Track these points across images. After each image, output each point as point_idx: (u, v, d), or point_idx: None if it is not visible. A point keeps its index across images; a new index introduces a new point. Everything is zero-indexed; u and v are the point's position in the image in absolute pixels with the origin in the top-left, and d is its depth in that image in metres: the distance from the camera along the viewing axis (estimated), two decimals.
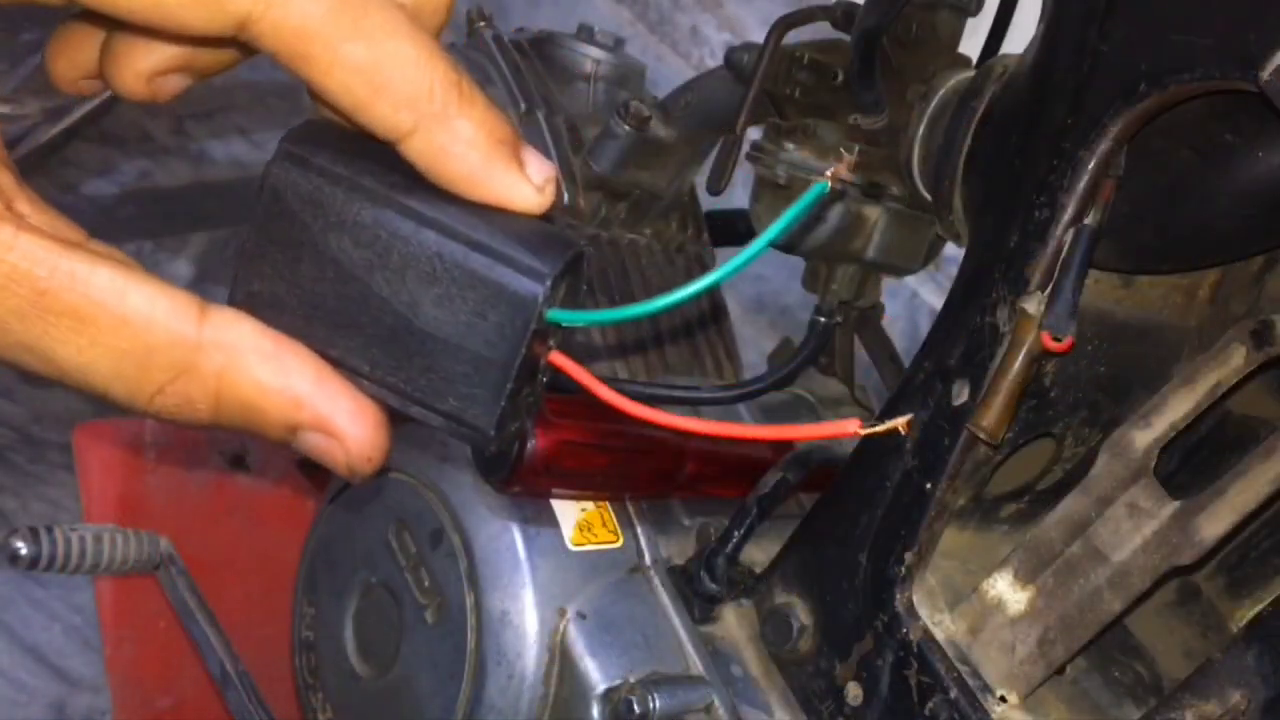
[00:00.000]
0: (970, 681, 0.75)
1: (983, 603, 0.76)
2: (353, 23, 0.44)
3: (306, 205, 0.45)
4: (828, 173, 0.44)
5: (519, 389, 0.46)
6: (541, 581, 0.86)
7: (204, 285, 1.74)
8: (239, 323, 0.44)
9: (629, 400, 0.46)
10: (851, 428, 0.44)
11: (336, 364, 0.46)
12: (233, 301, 0.46)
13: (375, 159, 0.45)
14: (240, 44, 0.45)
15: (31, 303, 0.41)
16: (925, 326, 1.99)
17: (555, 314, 0.45)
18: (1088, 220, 0.71)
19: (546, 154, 1.07)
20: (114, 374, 0.42)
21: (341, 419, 0.45)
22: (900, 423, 0.45)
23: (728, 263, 0.45)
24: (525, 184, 0.46)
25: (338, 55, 0.44)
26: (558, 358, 0.47)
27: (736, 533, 0.88)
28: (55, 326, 0.41)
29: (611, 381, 1.00)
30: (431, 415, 0.46)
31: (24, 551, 0.83)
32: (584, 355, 1.06)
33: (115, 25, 0.48)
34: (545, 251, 0.45)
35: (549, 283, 0.44)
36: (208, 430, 0.45)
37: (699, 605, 0.88)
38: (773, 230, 0.44)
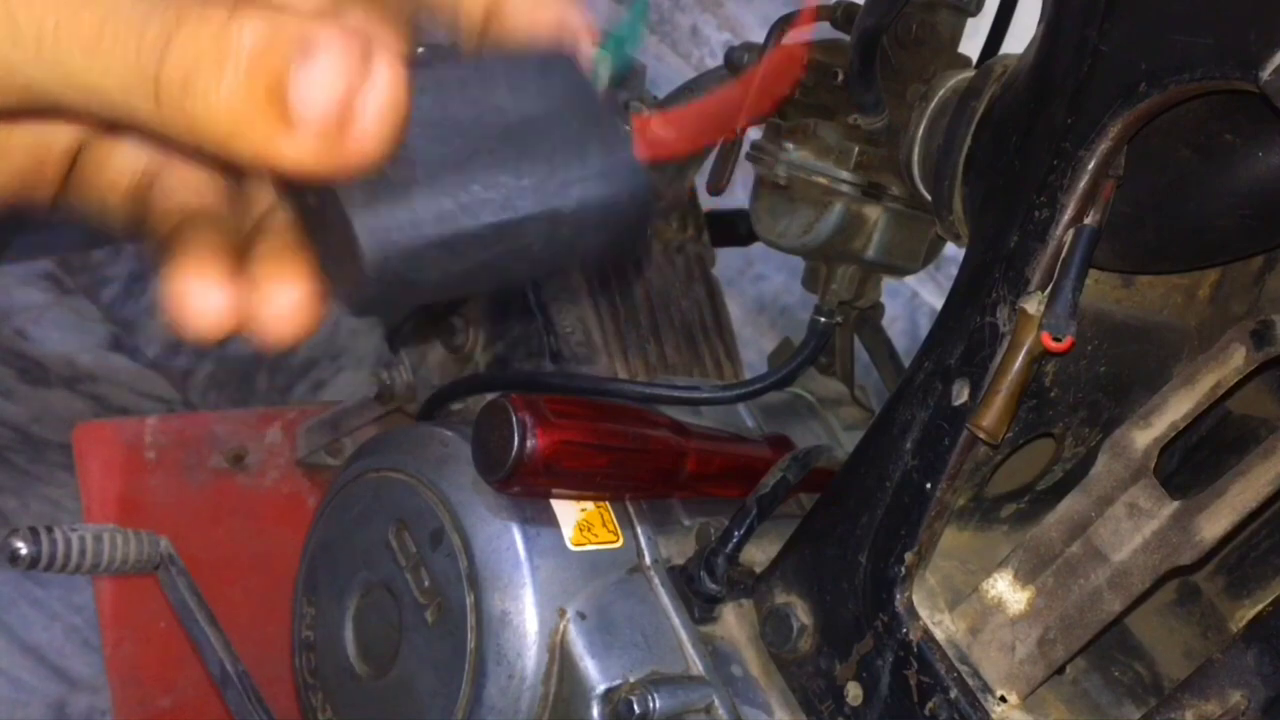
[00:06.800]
0: (970, 681, 0.75)
1: (983, 603, 0.76)
2: None
3: None
4: None
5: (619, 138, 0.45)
6: (541, 581, 0.86)
7: None
8: None
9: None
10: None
11: (479, 206, 0.43)
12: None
13: None
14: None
15: None
16: (925, 326, 1.99)
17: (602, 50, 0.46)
18: (1088, 220, 0.71)
19: None
20: None
21: None
22: None
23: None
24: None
25: None
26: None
27: (736, 533, 0.88)
28: None
29: (611, 381, 1.00)
30: (589, 210, 0.44)
31: (24, 551, 0.83)
32: (584, 356, 1.06)
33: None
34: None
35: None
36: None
37: (699, 605, 0.88)
38: None
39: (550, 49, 0.45)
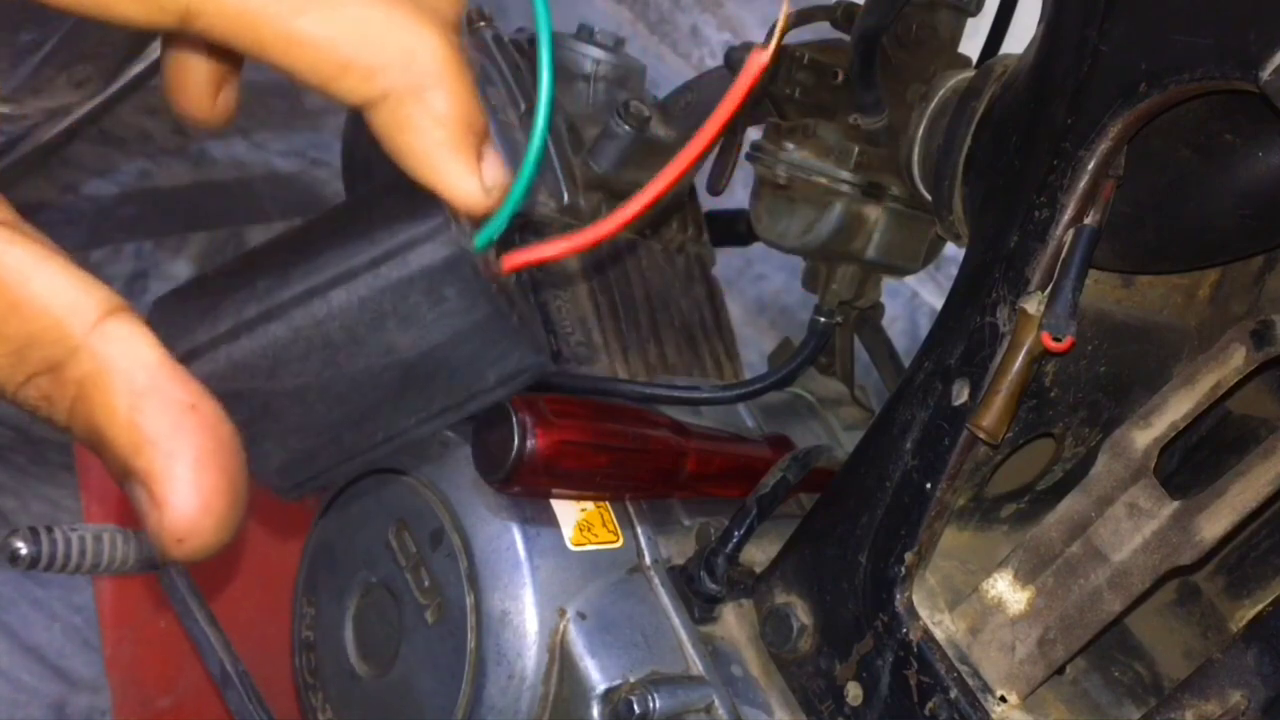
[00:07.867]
0: (970, 681, 0.75)
1: (983, 603, 0.76)
2: None
3: (234, 379, 0.42)
4: None
5: (519, 316, 0.45)
6: (541, 581, 0.86)
7: None
8: (132, 341, 0.40)
9: (591, 233, 0.45)
10: None
11: (391, 441, 0.44)
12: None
13: (231, 285, 0.43)
14: (195, 39, 0.43)
15: None
16: (925, 326, 1.99)
17: (481, 239, 0.44)
18: (1088, 220, 0.71)
19: (547, 154, 1.07)
20: None
21: (173, 485, 0.39)
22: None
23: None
24: (474, 178, 0.43)
25: (291, 32, 0.41)
26: (512, 260, 0.45)
27: (736, 533, 0.88)
28: None
29: (611, 381, 1.00)
30: (493, 394, 0.45)
31: (24, 551, 0.83)
32: (584, 356, 1.06)
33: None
34: (423, 206, 0.43)
35: (452, 226, 0.43)
36: (67, 435, 0.41)
37: (699, 605, 0.88)
38: None
39: (437, 256, 0.42)
